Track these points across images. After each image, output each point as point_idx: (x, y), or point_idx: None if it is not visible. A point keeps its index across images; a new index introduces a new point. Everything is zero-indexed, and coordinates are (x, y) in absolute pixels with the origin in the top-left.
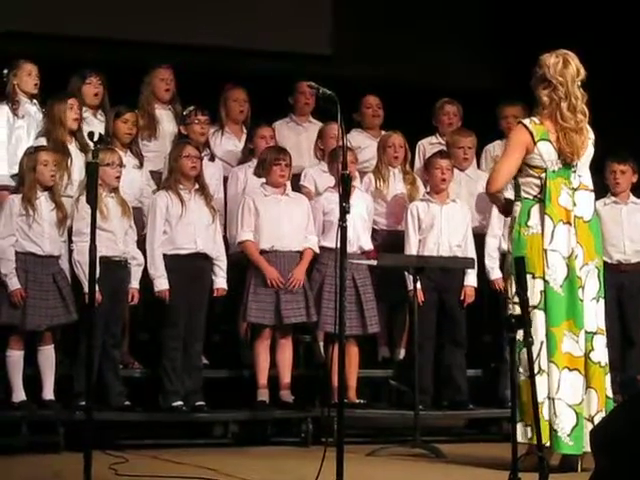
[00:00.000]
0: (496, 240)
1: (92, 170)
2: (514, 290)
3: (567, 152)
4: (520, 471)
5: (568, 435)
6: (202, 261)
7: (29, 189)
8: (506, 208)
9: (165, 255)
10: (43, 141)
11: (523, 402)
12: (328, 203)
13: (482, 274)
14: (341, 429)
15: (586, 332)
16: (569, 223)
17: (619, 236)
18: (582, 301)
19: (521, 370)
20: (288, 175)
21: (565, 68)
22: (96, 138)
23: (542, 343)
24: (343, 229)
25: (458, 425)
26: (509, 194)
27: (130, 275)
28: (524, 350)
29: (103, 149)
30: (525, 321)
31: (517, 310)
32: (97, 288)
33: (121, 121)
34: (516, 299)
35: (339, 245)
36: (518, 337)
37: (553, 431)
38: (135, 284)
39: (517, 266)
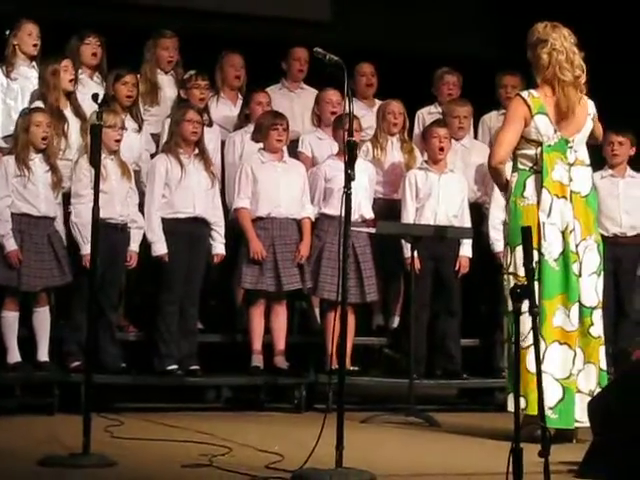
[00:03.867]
0: (501, 211)
1: (96, 132)
2: (509, 261)
3: (563, 106)
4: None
5: (551, 408)
6: (200, 226)
7: (22, 149)
8: (506, 187)
9: (163, 219)
10: (39, 104)
11: (520, 372)
12: (330, 170)
13: (478, 245)
14: (341, 395)
15: (585, 307)
16: (565, 197)
17: (616, 209)
18: (578, 276)
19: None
20: (285, 140)
21: (556, 28)
22: (100, 100)
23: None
24: (348, 196)
25: (451, 394)
26: (508, 172)
27: (129, 238)
28: (526, 320)
29: (106, 110)
30: (531, 291)
31: (512, 281)
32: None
33: (121, 83)
34: (511, 269)
35: (344, 213)
36: (523, 308)
37: None
38: (135, 247)
39: (524, 236)
